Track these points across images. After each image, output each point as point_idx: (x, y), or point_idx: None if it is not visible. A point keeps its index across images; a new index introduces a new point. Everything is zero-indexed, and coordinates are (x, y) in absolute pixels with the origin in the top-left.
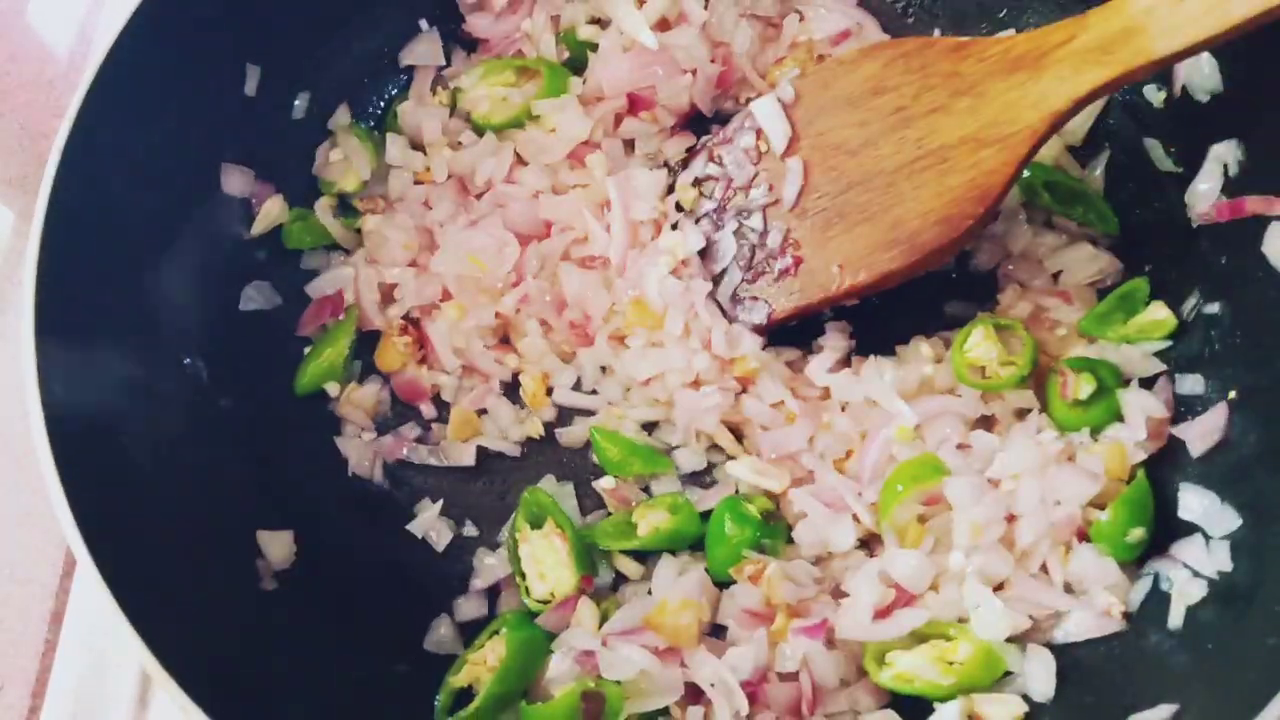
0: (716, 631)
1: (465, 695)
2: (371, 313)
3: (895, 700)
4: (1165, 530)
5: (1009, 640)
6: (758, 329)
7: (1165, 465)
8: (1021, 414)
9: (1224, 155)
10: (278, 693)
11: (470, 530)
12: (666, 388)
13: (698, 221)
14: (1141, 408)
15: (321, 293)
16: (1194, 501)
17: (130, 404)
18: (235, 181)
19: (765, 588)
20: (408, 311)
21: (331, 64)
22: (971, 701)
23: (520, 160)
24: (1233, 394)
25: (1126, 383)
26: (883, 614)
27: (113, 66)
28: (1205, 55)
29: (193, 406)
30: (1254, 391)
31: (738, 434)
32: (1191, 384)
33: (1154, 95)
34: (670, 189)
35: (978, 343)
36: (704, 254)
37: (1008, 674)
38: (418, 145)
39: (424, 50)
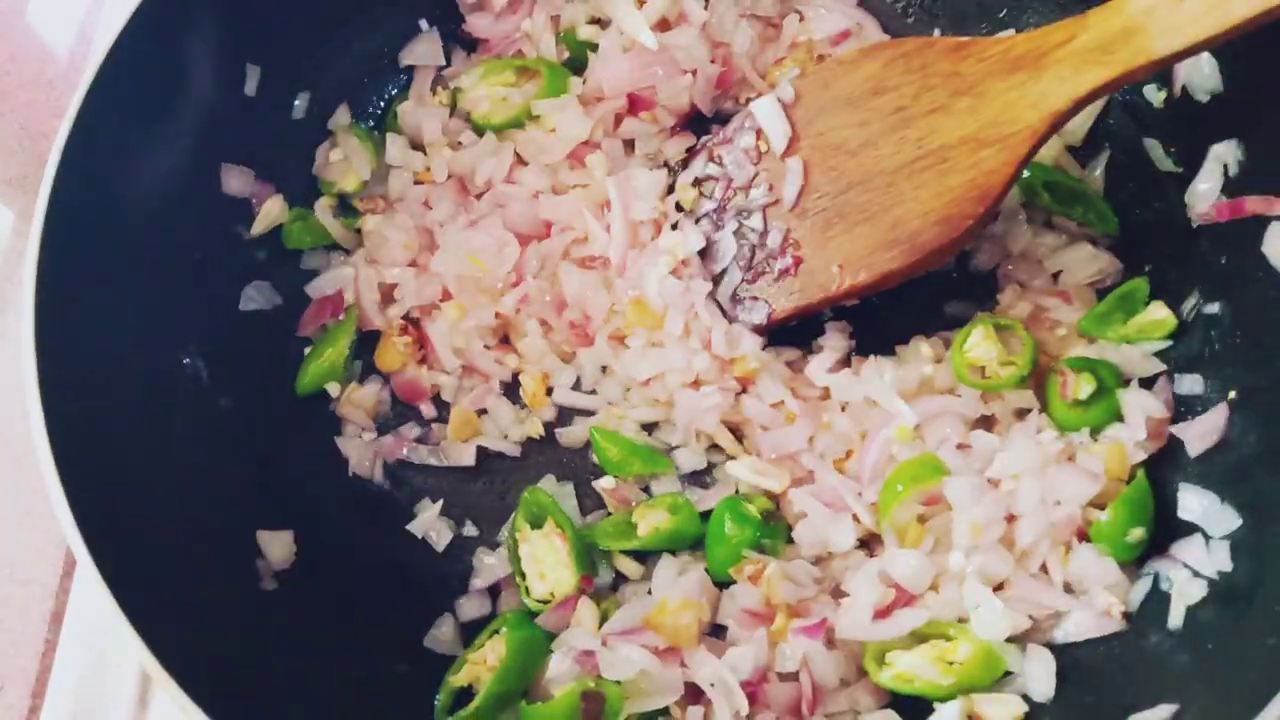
0: (716, 631)
1: (465, 695)
2: (371, 313)
3: (895, 700)
4: (1165, 530)
5: (1009, 640)
6: (758, 329)
7: (1165, 465)
8: (1021, 414)
9: (1224, 155)
10: (278, 693)
11: (470, 530)
12: (666, 388)
13: (698, 221)
14: (1141, 408)
15: (321, 293)
16: (1194, 501)
17: (130, 404)
18: (235, 181)
19: (765, 588)
20: (408, 311)
21: (331, 64)
22: (971, 701)
23: (520, 160)
24: (1233, 394)
25: (1126, 383)
26: (883, 614)
27: (113, 66)
28: (1205, 55)
29: (193, 406)
30: (1254, 391)
31: (738, 434)
32: (1191, 384)
33: (1154, 95)
34: (670, 189)
35: (978, 343)
36: (704, 254)
37: (1008, 674)
38: (418, 145)
39: (424, 50)
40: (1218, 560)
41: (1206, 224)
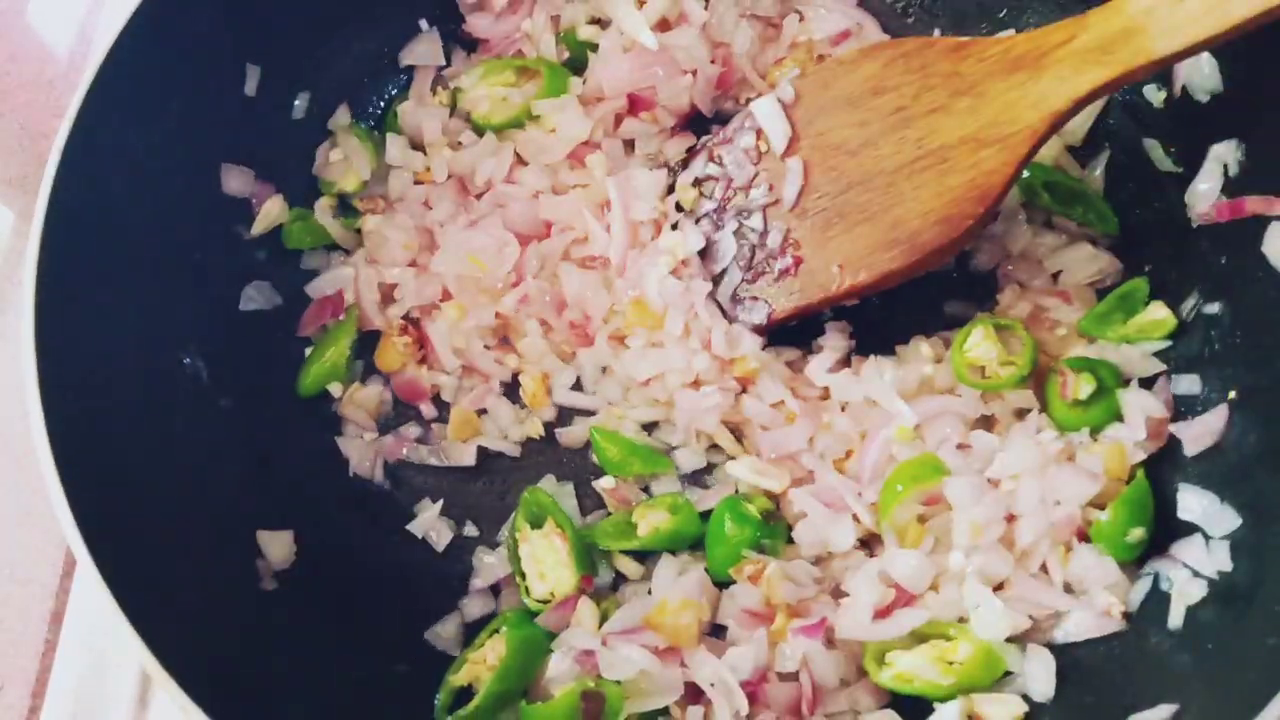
0: (716, 631)
1: (465, 694)
2: (371, 313)
3: (895, 700)
4: (1165, 530)
5: (1009, 640)
6: (758, 329)
7: (1165, 465)
8: (1021, 414)
9: (1224, 155)
10: (278, 693)
11: (470, 530)
12: (666, 388)
13: (698, 221)
14: (1141, 408)
15: (321, 293)
16: (1194, 501)
17: (130, 404)
18: (235, 181)
19: (765, 588)
20: (408, 311)
21: (331, 64)
22: (971, 701)
23: (520, 160)
24: (1233, 394)
25: (1126, 383)
26: (883, 614)
27: (113, 66)
28: (1205, 55)
29: (193, 406)
30: (1254, 391)
31: (738, 434)
32: (1191, 384)
33: (1154, 95)
34: (670, 189)
35: (978, 343)
36: (704, 254)
37: (1008, 674)
38: (418, 145)
39: (424, 50)
40: (1218, 560)
41: (1206, 224)
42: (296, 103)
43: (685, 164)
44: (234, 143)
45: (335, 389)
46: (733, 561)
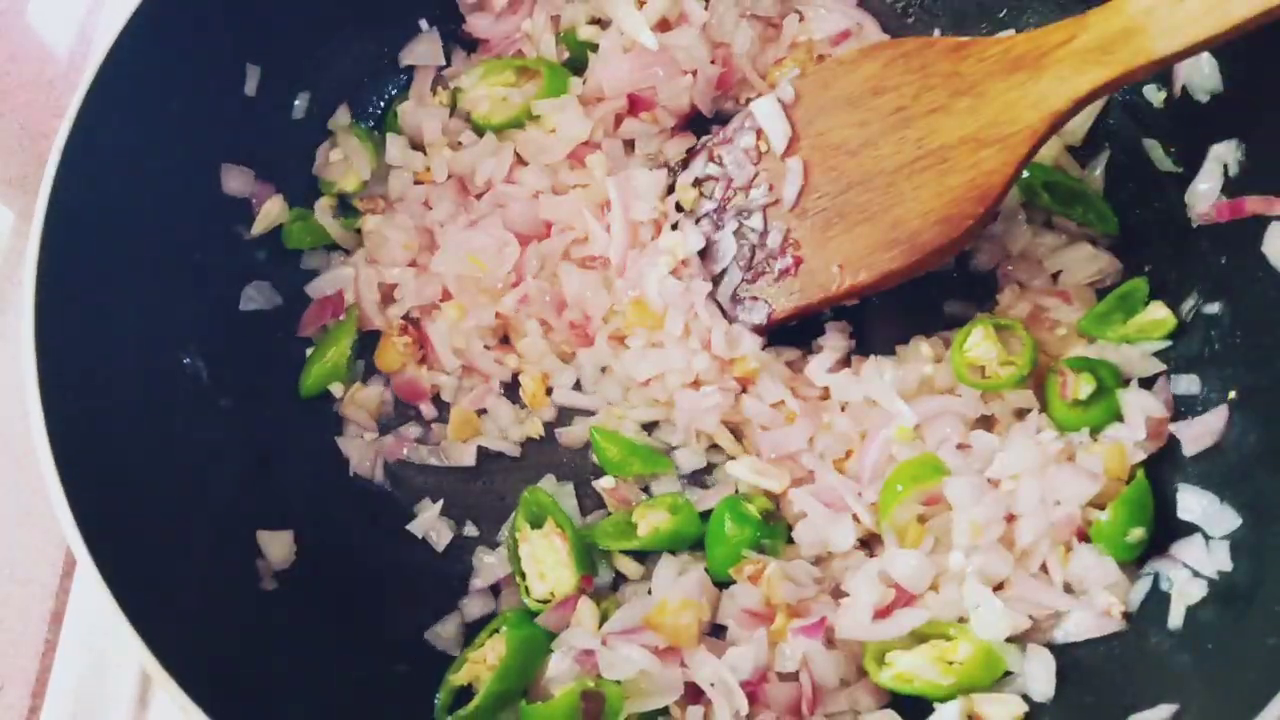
0: (716, 631)
1: (465, 694)
2: (371, 313)
3: (895, 700)
4: (1165, 530)
5: (1009, 640)
6: (758, 329)
7: (1165, 465)
8: (1021, 414)
9: (1224, 155)
10: (278, 693)
11: (470, 530)
12: (666, 388)
13: (698, 221)
14: (1141, 408)
15: (321, 293)
16: (1194, 501)
17: (130, 404)
18: (235, 181)
19: (765, 588)
20: (408, 311)
21: (331, 64)
22: (971, 701)
23: (520, 160)
24: (1233, 394)
25: (1126, 383)
26: (883, 614)
27: (113, 66)
28: (1205, 55)
29: (193, 406)
30: (1254, 391)
31: (738, 434)
32: (1191, 384)
33: (1154, 95)
34: (670, 189)
35: (977, 343)
36: (704, 254)
37: (1008, 674)
38: (418, 145)
39: (424, 50)
40: (1218, 560)
41: (1206, 224)
42: (296, 103)
43: (685, 164)
44: (234, 143)
45: (336, 389)
46: (733, 561)
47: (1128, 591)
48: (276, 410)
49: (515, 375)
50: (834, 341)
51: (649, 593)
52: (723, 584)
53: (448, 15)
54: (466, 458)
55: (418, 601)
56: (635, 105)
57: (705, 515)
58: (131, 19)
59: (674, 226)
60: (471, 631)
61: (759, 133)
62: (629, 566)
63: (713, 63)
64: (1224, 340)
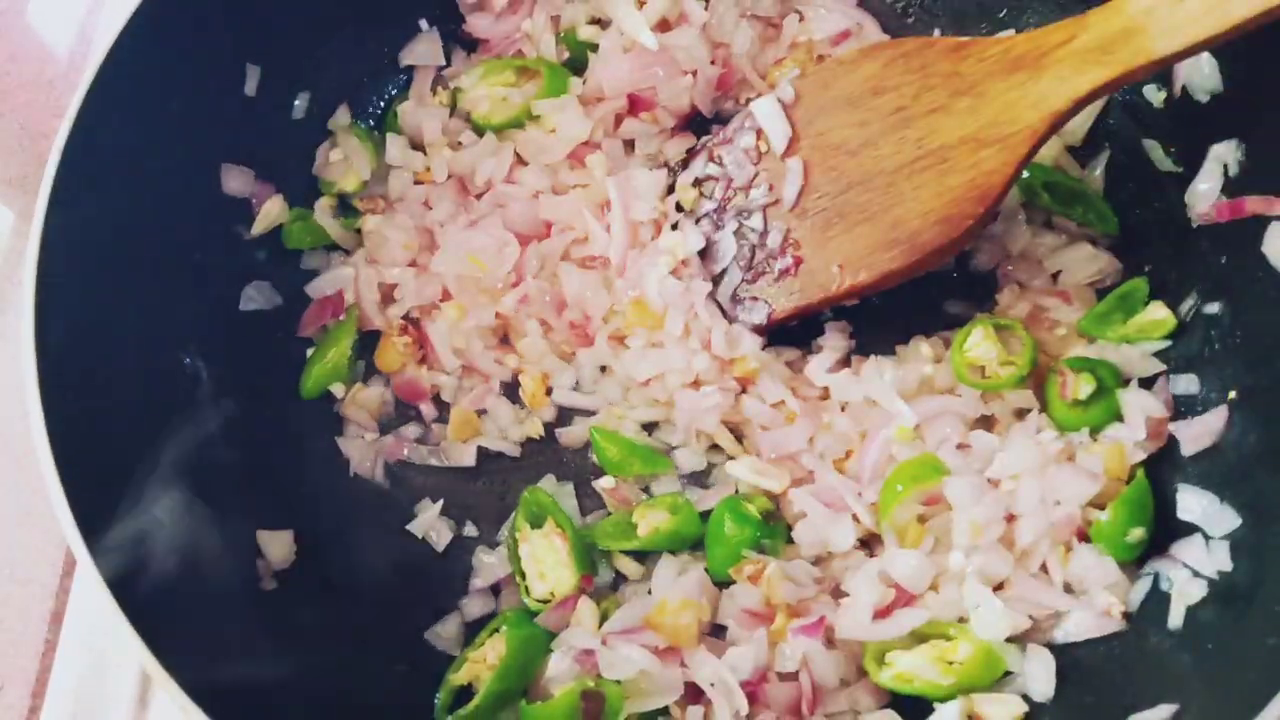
0: (716, 631)
1: (465, 694)
2: (371, 313)
3: (895, 700)
4: (1165, 530)
5: (1009, 640)
6: (758, 329)
7: (1165, 465)
8: (1021, 414)
9: (1224, 155)
10: (278, 693)
11: (470, 530)
12: (666, 388)
13: (698, 221)
14: (1141, 407)
15: (322, 293)
16: (1193, 501)
17: (130, 404)
18: (235, 181)
19: (765, 588)
20: (408, 311)
21: (331, 64)
22: (971, 701)
23: (520, 160)
24: (1233, 394)
25: (1126, 383)
26: (883, 614)
27: (113, 66)
28: (1205, 55)
29: (193, 406)
30: (1254, 391)
31: (738, 434)
32: (1191, 384)
33: (1154, 95)
34: (670, 189)
35: (977, 342)
36: (704, 254)
37: (1008, 674)
38: (418, 145)
39: (424, 50)
40: (1218, 560)
41: (1206, 224)
42: (296, 103)
43: (685, 164)
44: (234, 143)
45: (337, 390)
46: (733, 561)
47: (1128, 591)
48: (276, 410)
49: (515, 375)
50: (834, 341)
51: (649, 593)
52: (723, 584)
53: (448, 15)
54: (466, 458)
55: (418, 601)
56: (635, 105)
57: (705, 515)
58: (131, 19)
59: (674, 226)
60: (471, 631)
61: (759, 133)
62: (629, 566)
63: (713, 63)
64: (1224, 340)
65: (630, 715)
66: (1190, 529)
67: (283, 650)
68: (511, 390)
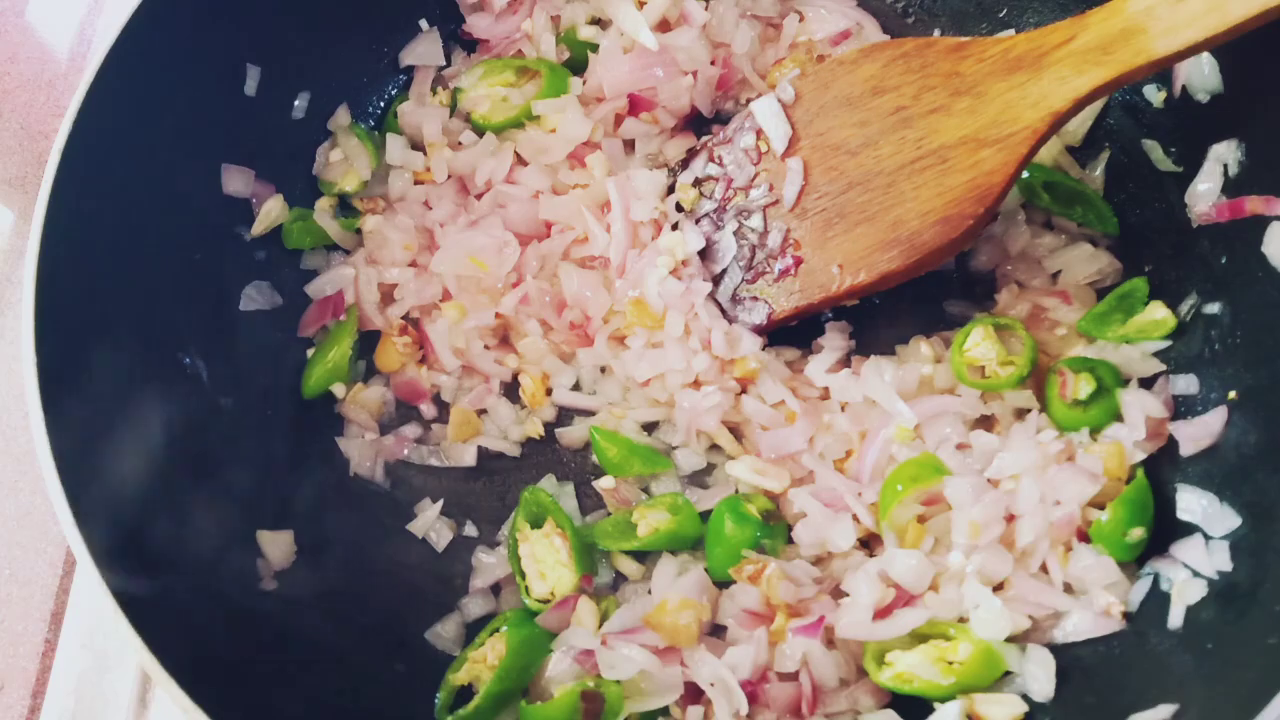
0: (716, 631)
1: (465, 694)
2: (371, 313)
3: (895, 700)
4: (1165, 530)
5: (1009, 640)
6: (758, 329)
7: (1165, 465)
8: (1021, 414)
9: (1224, 155)
10: (278, 693)
11: (470, 530)
12: (666, 388)
13: (698, 222)
14: (1141, 407)
15: (322, 293)
16: (1193, 501)
17: (130, 404)
18: (235, 181)
19: (765, 588)
20: (408, 311)
21: (331, 64)
22: (971, 701)
23: (520, 160)
24: (1233, 394)
25: (1126, 383)
26: (883, 614)
27: (113, 66)
28: (1205, 55)
29: (193, 406)
30: (1254, 391)
31: (738, 434)
32: (1191, 384)
33: (1154, 95)
34: (670, 189)
35: (977, 342)
36: (704, 254)
37: (1008, 674)
38: (418, 145)
39: (424, 50)
40: (1218, 560)
41: (1206, 224)
42: (296, 103)
43: (685, 164)
44: (234, 143)
45: (339, 390)
46: (733, 561)
47: (1128, 591)
48: (276, 410)
49: (515, 375)
50: (834, 341)
51: (649, 593)
52: (723, 584)
53: (448, 15)
54: (466, 458)
55: (418, 601)
56: (635, 105)
57: (705, 515)
58: (131, 19)
59: (674, 226)
60: (471, 631)
61: (759, 133)
62: (629, 566)
63: (713, 63)
64: (1224, 340)
65: (630, 715)
66: (1190, 529)
67: (283, 650)
68: (511, 390)
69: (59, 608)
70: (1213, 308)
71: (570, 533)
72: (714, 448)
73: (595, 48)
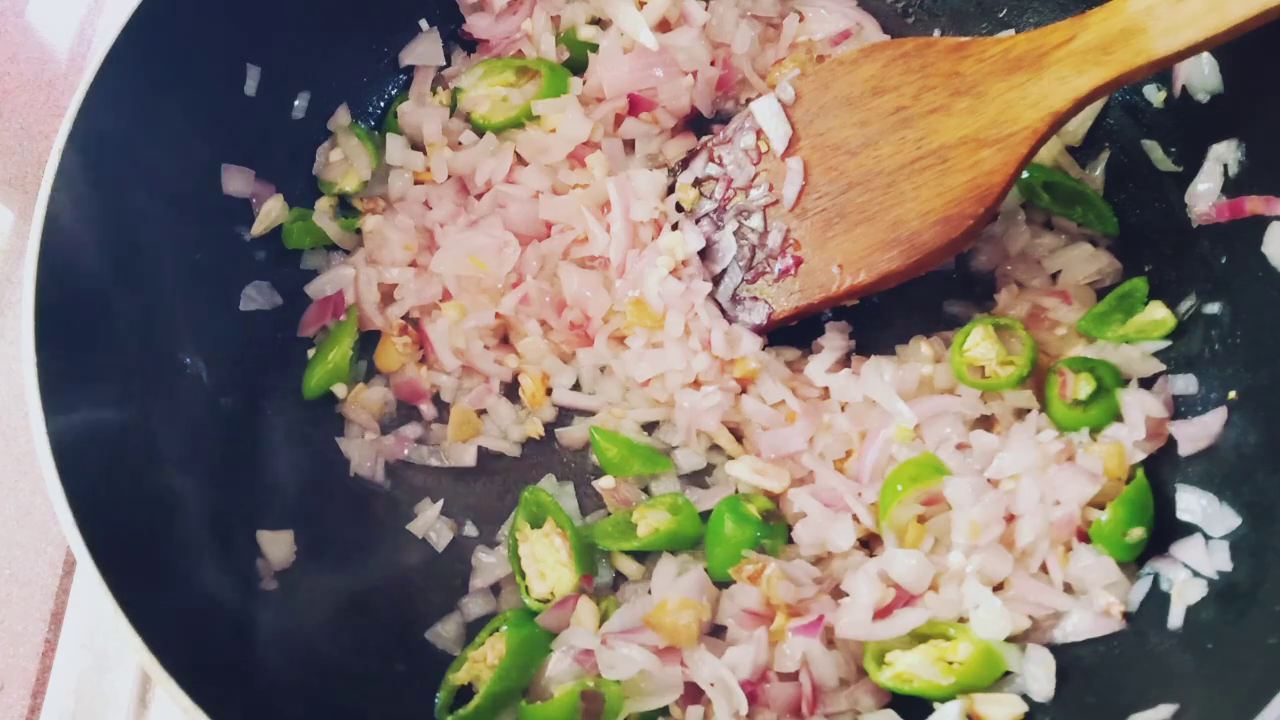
0: (716, 631)
1: (465, 693)
2: (371, 313)
3: (895, 700)
4: (1165, 530)
5: (1009, 640)
6: (758, 329)
7: (1165, 465)
8: (1021, 414)
9: (1224, 155)
10: (278, 693)
11: (470, 530)
12: (666, 388)
13: (698, 222)
14: (1141, 407)
15: (322, 293)
16: (1193, 501)
17: (130, 404)
18: (235, 181)
19: (765, 588)
20: (408, 311)
21: (331, 64)
22: (971, 701)
23: (520, 160)
24: (1233, 394)
25: (1126, 383)
26: (883, 614)
27: (113, 66)
28: (1205, 55)
29: (193, 406)
30: (1254, 391)
31: (738, 434)
32: (1191, 384)
33: (1154, 95)
34: (670, 189)
35: (977, 342)
36: (704, 254)
37: (1008, 674)
38: (418, 145)
39: (424, 50)
40: (1218, 560)
41: (1206, 224)
42: (296, 103)
43: (685, 164)
44: (234, 143)
45: (340, 390)
46: (733, 561)
47: (1127, 591)
48: (276, 410)
49: (515, 375)
50: (834, 341)
51: (649, 593)
52: (723, 584)
53: (448, 15)
54: (466, 458)
55: (418, 601)
56: (635, 105)
57: (705, 515)
58: (131, 19)
59: (674, 226)
60: (471, 631)
61: (759, 133)
62: (629, 566)
63: (713, 63)
64: (1224, 340)
65: (630, 715)
66: (1190, 529)
67: (283, 650)
68: (511, 390)
69: (59, 608)
70: (1212, 308)
71: (570, 533)
72: (714, 448)
73: (595, 48)
